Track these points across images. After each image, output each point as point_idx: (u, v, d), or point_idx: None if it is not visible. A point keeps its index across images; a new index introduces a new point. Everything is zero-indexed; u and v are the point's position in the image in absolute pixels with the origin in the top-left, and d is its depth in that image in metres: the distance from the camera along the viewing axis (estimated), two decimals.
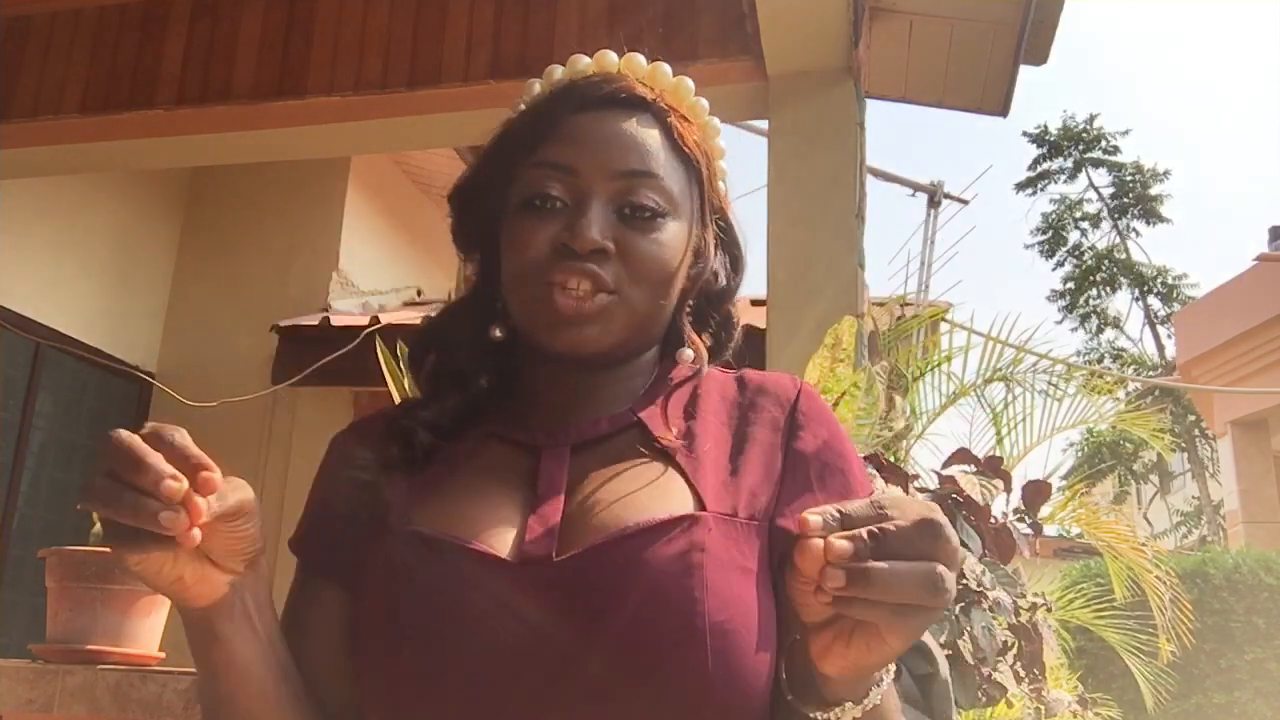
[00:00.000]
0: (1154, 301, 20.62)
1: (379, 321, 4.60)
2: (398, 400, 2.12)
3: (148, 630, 2.12)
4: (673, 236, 0.83)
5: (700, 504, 0.76)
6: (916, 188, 5.93)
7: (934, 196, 5.89)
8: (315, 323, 4.83)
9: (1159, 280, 20.62)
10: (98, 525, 2.13)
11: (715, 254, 0.89)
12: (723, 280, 0.91)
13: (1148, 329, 20.63)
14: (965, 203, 5.98)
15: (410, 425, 0.84)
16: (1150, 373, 18.83)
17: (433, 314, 0.94)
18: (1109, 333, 21.04)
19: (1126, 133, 22.63)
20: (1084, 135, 21.66)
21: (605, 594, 0.71)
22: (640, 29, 2.72)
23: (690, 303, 0.88)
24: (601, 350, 0.81)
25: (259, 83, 3.04)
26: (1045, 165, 22.00)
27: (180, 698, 1.82)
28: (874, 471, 1.67)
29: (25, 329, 4.58)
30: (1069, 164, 21.87)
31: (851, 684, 0.67)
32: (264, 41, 3.06)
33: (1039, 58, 3.15)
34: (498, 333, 0.86)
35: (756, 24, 2.57)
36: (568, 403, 0.85)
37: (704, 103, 0.91)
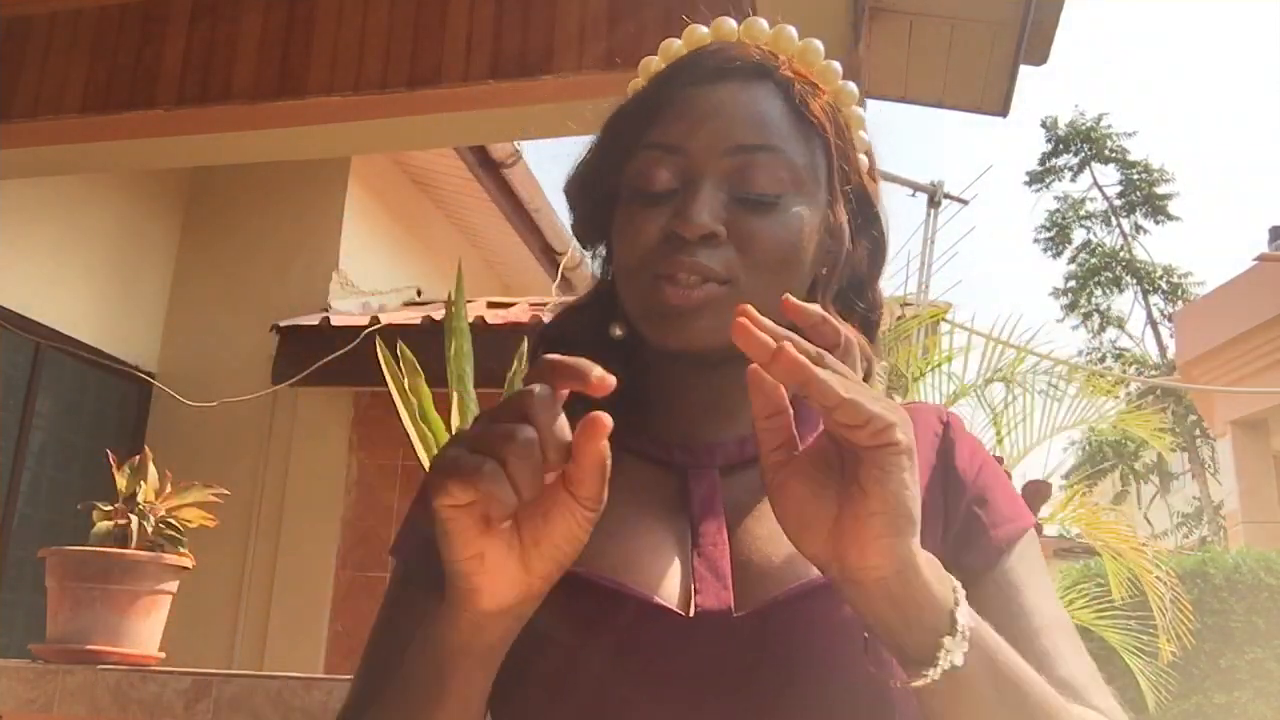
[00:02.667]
0: (1159, 300, 20.61)
1: (379, 321, 4.60)
2: (400, 403, 2.12)
3: (148, 630, 2.12)
4: (796, 217, 0.74)
5: None
6: (916, 188, 5.93)
7: (934, 196, 5.89)
8: (315, 323, 4.83)
9: (1164, 279, 20.61)
10: (98, 525, 2.14)
11: (854, 236, 0.80)
12: (864, 264, 0.82)
13: (1149, 328, 20.64)
14: (965, 203, 5.98)
15: None
16: (1152, 372, 18.83)
17: (551, 313, 0.87)
18: (1110, 332, 21.04)
19: (1133, 134, 22.67)
20: (1091, 133, 21.66)
21: (790, 655, 0.65)
22: (641, 29, 2.72)
23: (833, 289, 0.79)
24: (716, 345, 0.71)
25: (259, 83, 3.03)
26: (1053, 161, 22.00)
27: (180, 697, 1.82)
28: None
29: (25, 329, 4.58)
30: (1075, 161, 21.87)
31: (902, 618, 0.57)
32: (264, 41, 3.06)
33: (1039, 58, 3.15)
34: (618, 331, 0.79)
35: None
36: (699, 410, 0.78)
37: (836, 66, 0.81)
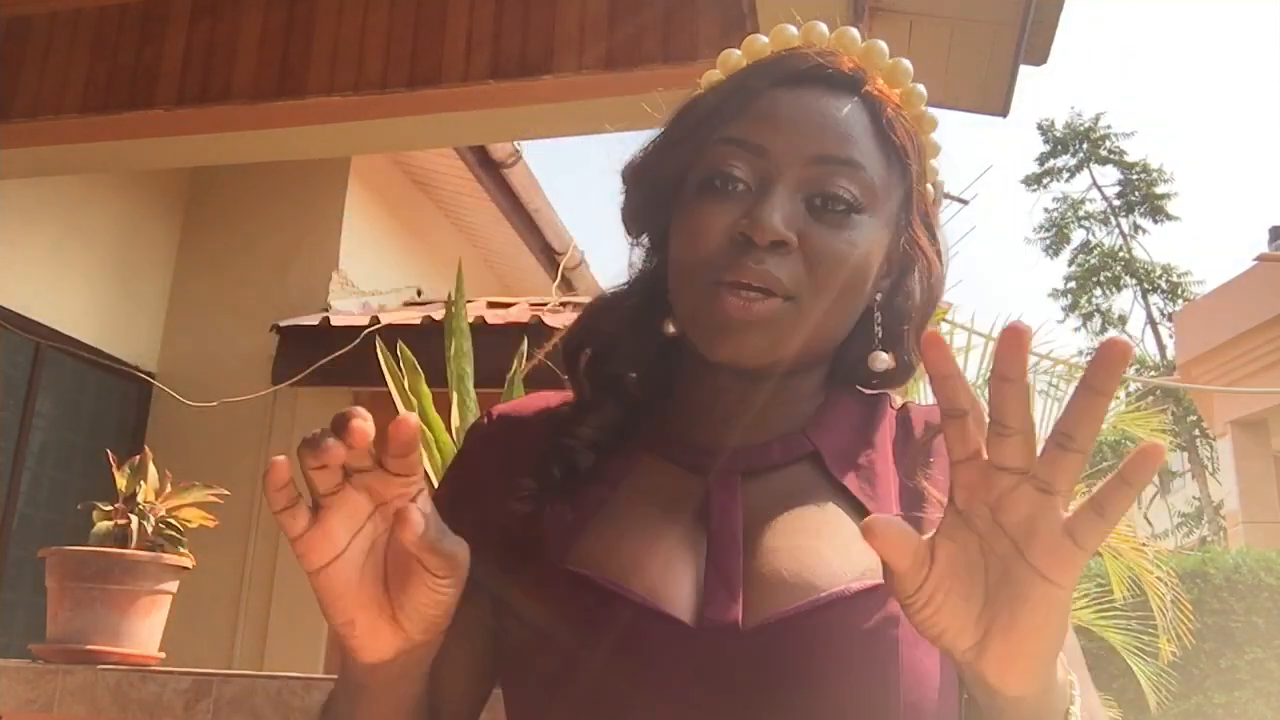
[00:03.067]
0: (1159, 300, 20.61)
1: (379, 321, 4.60)
2: (400, 403, 2.12)
3: (148, 630, 2.12)
4: (867, 237, 0.71)
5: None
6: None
7: (934, 196, 5.89)
8: (315, 323, 4.83)
9: (1163, 278, 20.61)
10: (98, 525, 2.14)
11: (914, 265, 0.77)
12: (917, 296, 0.77)
13: (1149, 328, 20.64)
14: (965, 203, 5.97)
15: (573, 445, 0.75)
16: (1152, 372, 18.83)
17: (590, 303, 0.82)
18: (1110, 332, 21.03)
19: (1131, 134, 22.68)
20: (1089, 134, 21.66)
21: (797, 670, 0.64)
22: (641, 29, 2.72)
23: (879, 317, 0.76)
24: (769, 363, 0.71)
25: (259, 83, 3.03)
26: (1051, 162, 22.01)
27: (180, 697, 1.82)
28: None
29: (25, 329, 4.58)
30: (1073, 162, 21.88)
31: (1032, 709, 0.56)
32: (264, 41, 3.06)
33: (1039, 58, 3.15)
34: (671, 329, 0.76)
35: (757, 24, 2.57)
36: (730, 417, 0.75)
37: (921, 90, 0.78)
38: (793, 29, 0.78)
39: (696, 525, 0.70)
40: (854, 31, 0.78)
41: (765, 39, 0.78)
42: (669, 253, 0.75)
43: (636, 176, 0.79)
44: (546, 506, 0.72)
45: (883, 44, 0.78)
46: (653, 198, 0.77)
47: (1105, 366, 0.48)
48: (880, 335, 0.76)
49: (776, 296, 0.69)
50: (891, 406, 0.79)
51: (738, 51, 0.79)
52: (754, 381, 0.74)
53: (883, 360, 0.75)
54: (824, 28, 0.78)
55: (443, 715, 0.72)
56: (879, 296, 0.76)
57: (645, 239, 0.81)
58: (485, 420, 0.82)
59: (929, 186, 0.79)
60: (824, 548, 0.68)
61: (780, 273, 0.69)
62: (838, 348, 0.77)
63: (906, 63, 0.78)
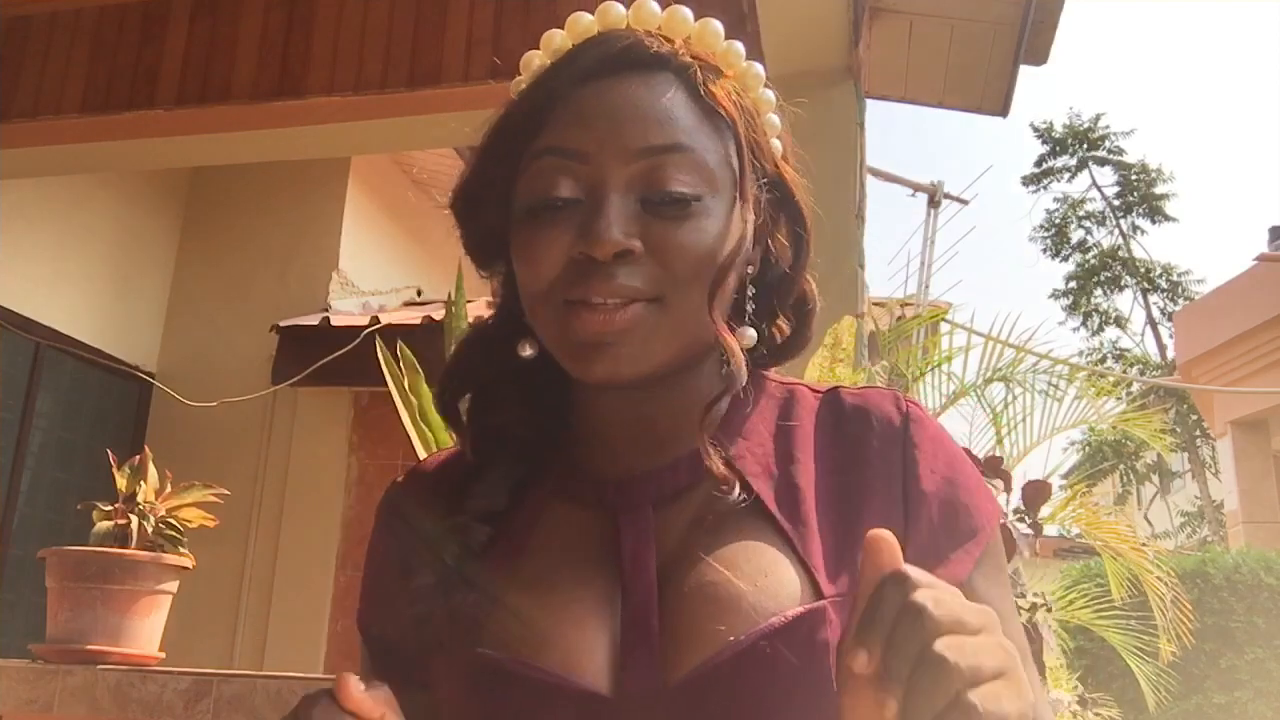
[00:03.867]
0: (1159, 299, 20.62)
1: (379, 321, 4.60)
2: (400, 403, 2.12)
3: (148, 630, 2.12)
4: (715, 220, 0.67)
5: (815, 587, 0.64)
6: (916, 188, 5.94)
7: (934, 196, 5.90)
8: (315, 323, 4.83)
9: (1163, 278, 20.61)
10: (98, 525, 2.14)
11: (774, 228, 0.73)
12: (788, 256, 0.74)
13: (1149, 328, 20.64)
14: (965, 203, 5.98)
15: (465, 524, 0.70)
16: (1152, 372, 18.83)
17: (455, 348, 0.78)
18: (1111, 332, 21.05)
19: (1130, 133, 22.68)
20: (1088, 134, 21.67)
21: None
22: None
23: (751, 291, 0.72)
24: (646, 372, 0.67)
25: (259, 83, 3.03)
26: (1050, 163, 22.01)
27: (180, 698, 1.82)
28: None
29: (25, 329, 4.58)
30: (1073, 162, 21.89)
31: None
32: (264, 41, 3.06)
33: (1039, 58, 3.15)
34: (528, 350, 0.72)
35: (757, 24, 2.57)
36: (629, 439, 0.72)
37: (739, 47, 0.74)
38: (588, 16, 0.73)
39: (610, 575, 0.66)
40: (652, 4, 0.73)
41: (563, 33, 0.74)
42: (517, 280, 0.71)
43: (464, 207, 0.75)
44: (448, 596, 0.68)
45: (685, 10, 0.74)
46: (488, 226, 0.73)
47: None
48: (752, 310, 0.72)
49: (637, 301, 0.65)
50: (814, 394, 0.75)
51: (539, 52, 0.74)
52: (641, 395, 0.70)
53: (749, 336, 0.71)
54: (620, 8, 0.73)
55: None
56: (750, 270, 0.72)
57: (499, 267, 0.76)
58: (387, 498, 0.79)
59: (775, 141, 0.75)
60: (743, 580, 0.64)
61: (635, 281, 0.65)
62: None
63: (716, 24, 0.74)
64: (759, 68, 0.75)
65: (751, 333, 0.72)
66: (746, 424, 0.72)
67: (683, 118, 0.68)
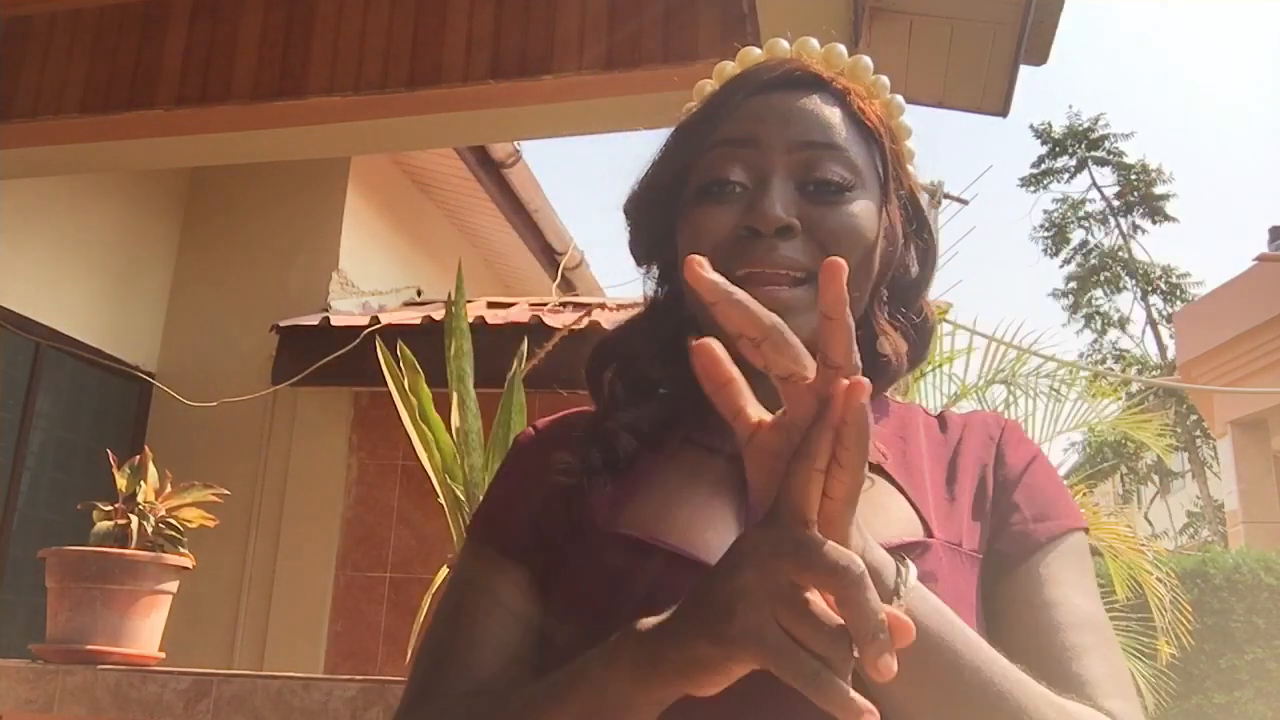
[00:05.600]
0: (1158, 301, 20.62)
1: (379, 321, 4.60)
2: (400, 403, 2.12)
3: (148, 630, 2.12)
4: (864, 210, 0.75)
5: (927, 529, 0.71)
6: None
7: (934, 196, 5.89)
8: (315, 323, 4.83)
9: (1163, 279, 20.62)
10: (98, 525, 2.14)
11: (906, 239, 0.81)
12: (914, 269, 0.82)
13: (1149, 329, 20.64)
14: (965, 203, 5.97)
15: (613, 428, 0.78)
16: (1153, 373, 18.83)
17: (606, 333, 0.85)
18: (1111, 333, 21.05)
19: (1130, 135, 22.68)
20: (1088, 135, 21.67)
21: None
22: (641, 29, 2.72)
23: (884, 294, 0.80)
24: None
25: (259, 83, 3.04)
26: (1049, 164, 22.01)
27: (180, 697, 1.82)
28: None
29: (25, 329, 4.58)
30: (1072, 163, 21.88)
31: None
32: (264, 41, 3.06)
33: (1039, 58, 3.15)
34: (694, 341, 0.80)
35: (757, 24, 2.57)
36: (769, 408, 0.76)
37: (885, 80, 0.84)
38: (757, 50, 0.84)
39: (737, 499, 0.73)
40: (813, 41, 0.85)
41: (759, 50, 0.85)
42: (682, 258, 0.76)
43: (639, 204, 0.83)
44: (587, 482, 0.75)
45: (841, 47, 0.84)
46: (658, 218, 0.81)
47: (827, 288, 0.52)
48: (887, 313, 0.79)
49: (801, 283, 0.72)
50: (927, 414, 0.83)
51: (710, 80, 0.84)
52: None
53: (884, 348, 0.77)
54: (785, 43, 0.85)
55: None
56: (879, 272, 0.79)
57: (655, 269, 0.84)
58: (529, 430, 0.86)
59: (910, 168, 0.83)
60: (860, 510, 0.68)
61: (793, 253, 0.72)
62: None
63: (866, 59, 0.84)
64: (900, 100, 0.85)
65: (891, 336, 0.79)
66: (874, 414, 0.78)
67: (838, 125, 0.77)
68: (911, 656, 0.55)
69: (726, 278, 0.67)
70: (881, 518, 0.70)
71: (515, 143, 5.41)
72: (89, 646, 2.01)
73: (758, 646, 0.51)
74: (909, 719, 0.61)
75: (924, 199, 0.83)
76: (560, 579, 0.73)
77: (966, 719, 0.60)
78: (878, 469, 0.74)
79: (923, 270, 0.83)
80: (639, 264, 0.86)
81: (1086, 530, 0.78)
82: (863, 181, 0.76)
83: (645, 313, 0.85)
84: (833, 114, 0.77)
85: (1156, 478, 19.31)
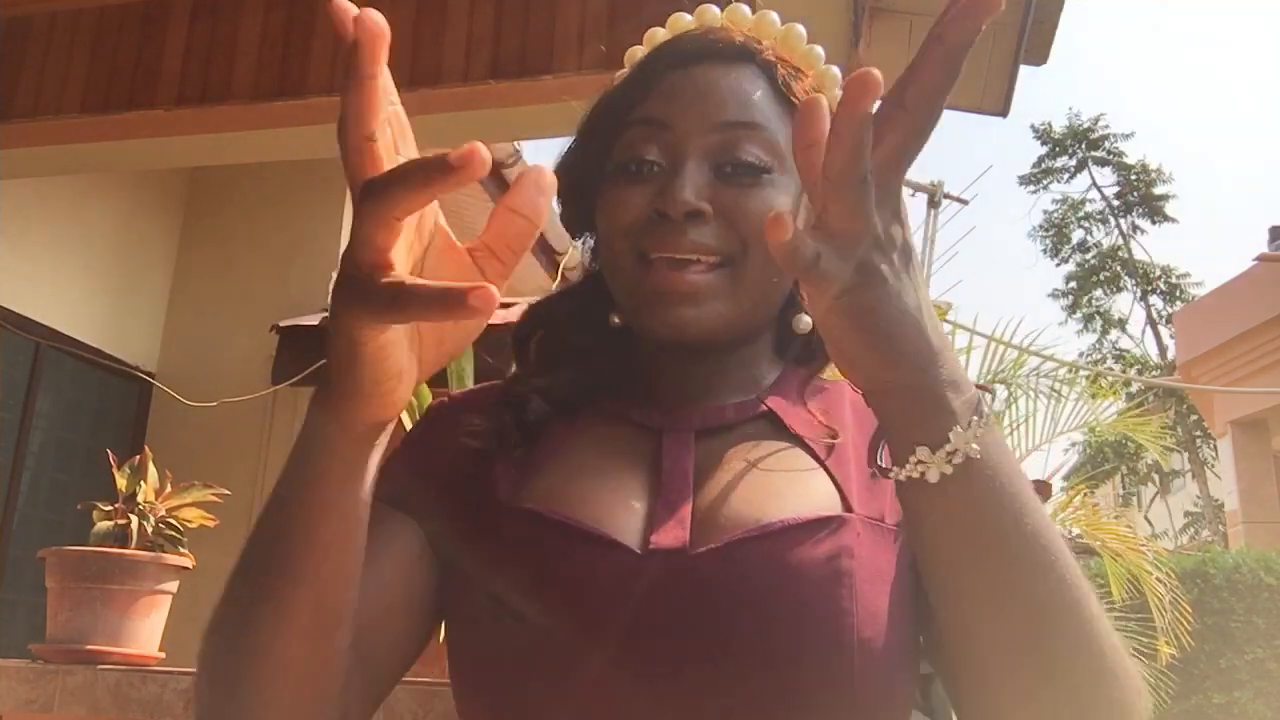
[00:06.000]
0: (1158, 301, 20.62)
1: None
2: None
3: (148, 630, 2.12)
4: (782, 194, 0.73)
5: (846, 504, 0.69)
6: (916, 188, 5.94)
7: (934, 196, 5.90)
8: (315, 323, 4.83)
9: (1163, 279, 20.62)
10: (98, 525, 2.14)
11: None
12: None
13: (1149, 329, 20.64)
14: (965, 203, 5.98)
15: (524, 392, 0.77)
16: (1152, 373, 18.83)
17: (535, 301, 0.85)
18: (1111, 333, 21.04)
19: (1130, 135, 22.68)
20: (1088, 135, 21.67)
21: (744, 595, 0.64)
22: (641, 29, 2.72)
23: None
24: (711, 331, 0.72)
25: (259, 83, 3.03)
26: (1049, 163, 22.01)
27: (180, 697, 1.82)
28: None
29: (25, 329, 4.58)
30: (1072, 163, 21.89)
31: (915, 414, 0.54)
32: (264, 41, 3.05)
33: (1039, 58, 3.15)
34: (616, 320, 0.78)
35: None
36: (686, 390, 0.77)
37: (819, 51, 0.81)
38: (687, 17, 0.82)
39: (649, 473, 0.72)
40: (744, 8, 0.82)
41: (664, 30, 0.83)
42: (597, 235, 0.77)
43: (564, 176, 0.81)
44: (496, 448, 0.74)
45: (774, 15, 0.81)
46: (582, 194, 0.79)
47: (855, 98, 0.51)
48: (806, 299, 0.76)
49: (715, 268, 0.71)
50: (854, 389, 0.79)
51: (642, 46, 0.83)
52: (701, 356, 0.75)
53: (804, 322, 0.76)
54: (716, 10, 0.82)
55: (371, 663, 0.68)
56: None
57: (588, 237, 0.84)
58: (442, 400, 0.84)
59: None
60: (780, 489, 0.69)
61: (703, 237, 0.71)
62: (778, 319, 0.78)
63: (800, 28, 0.80)
64: (836, 71, 0.81)
65: (807, 318, 0.77)
66: (797, 392, 0.78)
67: (760, 102, 0.74)
68: (976, 500, 0.54)
69: (640, 259, 0.72)
70: (800, 492, 0.69)
71: (515, 143, 5.41)
72: (89, 646, 2.01)
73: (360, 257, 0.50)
74: (954, 567, 0.57)
75: None
76: (462, 549, 0.71)
77: (1017, 576, 0.56)
78: (800, 442, 0.73)
79: None
80: (572, 235, 0.85)
81: None
82: (783, 162, 0.73)
83: (580, 283, 0.84)
84: (755, 90, 0.75)
85: (1156, 478, 19.30)
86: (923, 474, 0.54)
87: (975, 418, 0.54)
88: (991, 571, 0.56)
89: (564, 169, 0.81)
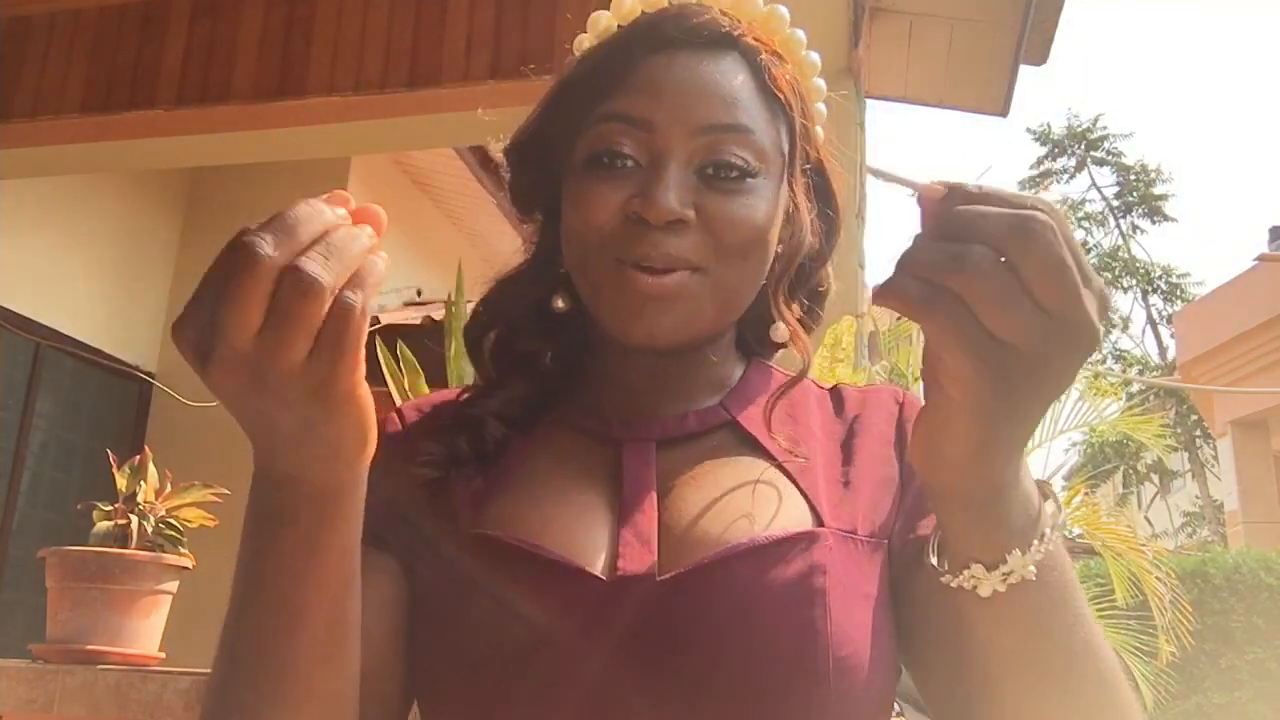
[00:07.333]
0: (1158, 301, 20.64)
1: (379, 321, 4.59)
2: (399, 399, 2.12)
3: (148, 630, 2.12)
4: (764, 199, 0.70)
5: (817, 518, 0.67)
6: (916, 188, 5.93)
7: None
8: None
9: (1163, 279, 20.64)
10: (98, 525, 2.14)
11: (809, 214, 0.75)
12: (818, 241, 0.76)
13: (1149, 329, 20.65)
14: None
15: (479, 415, 0.73)
16: (1153, 373, 18.83)
17: (489, 286, 0.80)
18: (1112, 333, 21.04)
19: (1130, 135, 22.71)
20: (1087, 135, 21.68)
21: (715, 621, 0.62)
22: None
23: (790, 272, 0.75)
24: (681, 341, 0.70)
25: (259, 83, 3.03)
26: (1048, 165, 22.02)
27: (180, 697, 1.82)
28: None
29: (25, 329, 4.58)
30: (1072, 163, 21.90)
31: (977, 528, 0.52)
32: (264, 41, 3.06)
33: (1039, 58, 3.15)
34: (560, 303, 0.75)
35: None
36: (646, 390, 0.74)
37: (800, 35, 0.76)
38: None
39: (610, 489, 0.69)
40: None
41: (609, 14, 0.76)
42: (563, 228, 0.73)
43: (521, 154, 0.77)
44: (454, 473, 0.71)
45: None
46: (540, 173, 0.76)
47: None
48: (780, 292, 0.74)
49: (685, 270, 0.67)
50: (818, 385, 0.78)
51: (606, 13, 0.76)
52: (667, 357, 0.73)
53: (781, 331, 0.74)
54: None
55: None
56: (779, 249, 0.73)
57: (536, 217, 0.79)
58: (394, 418, 0.80)
59: (819, 130, 0.77)
60: (742, 502, 0.67)
61: (682, 250, 0.67)
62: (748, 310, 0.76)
63: (783, 9, 0.76)
64: (815, 57, 0.78)
65: (784, 329, 0.74)
66: (761, 394, 0.75)
67: (746, 100, 0.70)
68: (1035, 607, 0.53)
69: (612, 264, 0.69)
70: (769, 508, 0.67)
71: None
72: (89, 646, 2.01)
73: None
74: (1005, 665, 0.57)
75: (830, 166, 0.77)
76: (429, 583, 0.69)
77: (1063, 691, 0.56)
78: (767, 456, 0.70)
79: (826, 243, 0.77)
80: (520, 211, 0.80)
81: None
82: (767, 164, 0.70)
83: (524, 266, 0.79)
84: (740, 84, 0.70)
85: (1156, 478, 19.31)
86: (974, 587, 0.53)
87: (1037, 540, 0.52)
88: (1037, 683, 0.56)
89: (522, 146, 0.77)
